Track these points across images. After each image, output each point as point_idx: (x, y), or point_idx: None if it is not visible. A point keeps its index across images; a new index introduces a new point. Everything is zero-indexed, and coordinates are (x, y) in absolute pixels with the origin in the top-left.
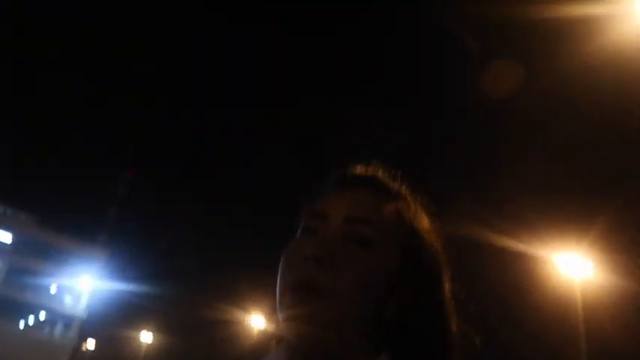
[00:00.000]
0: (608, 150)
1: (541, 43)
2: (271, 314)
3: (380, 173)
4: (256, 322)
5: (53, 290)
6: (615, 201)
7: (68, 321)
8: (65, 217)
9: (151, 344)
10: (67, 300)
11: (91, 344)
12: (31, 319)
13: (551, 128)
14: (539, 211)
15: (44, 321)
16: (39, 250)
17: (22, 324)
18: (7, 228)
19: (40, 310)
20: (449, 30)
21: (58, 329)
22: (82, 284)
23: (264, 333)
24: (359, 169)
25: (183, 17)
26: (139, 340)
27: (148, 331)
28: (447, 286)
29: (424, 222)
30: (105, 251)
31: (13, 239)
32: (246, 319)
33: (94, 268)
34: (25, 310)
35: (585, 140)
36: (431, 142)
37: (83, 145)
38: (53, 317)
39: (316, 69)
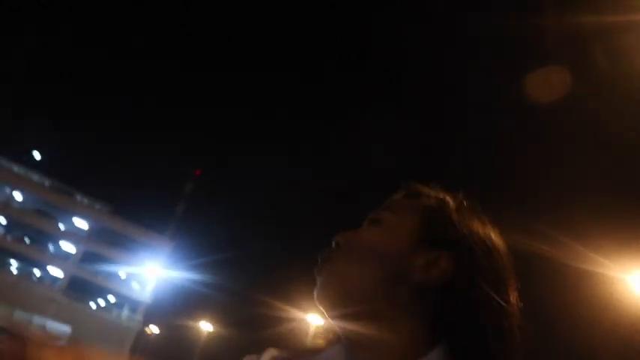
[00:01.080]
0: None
1: (586, 49)
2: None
3: (412, 185)
4: (313, 319)
5: (122, 276)
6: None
7: (134, 305)
8: (137, 209)
9: (210, 334)
10: (135, 286)
11: (154, 329)
12: (101, 302)
13: (611, 135)
14: (608, 225)
15: (113, 304)
16: (111, 238)
17: (92, 305)
18: (83, 216)
19: (109, 294)
20: (491, 33)
21: (125, 313)
22: (149, 272)
23: (320, 330)
24: (432, 189)
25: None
26: (199, 328)
27: (208, 321)
28: (487, 269)
29: (460, 211)
30: (172, 242)
31: (88, 227)
32: (304, 317)
33: (161, 258)
34: (96, 292)
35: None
36: (483, 150)
37: (158, 143)
38: (121, 301)
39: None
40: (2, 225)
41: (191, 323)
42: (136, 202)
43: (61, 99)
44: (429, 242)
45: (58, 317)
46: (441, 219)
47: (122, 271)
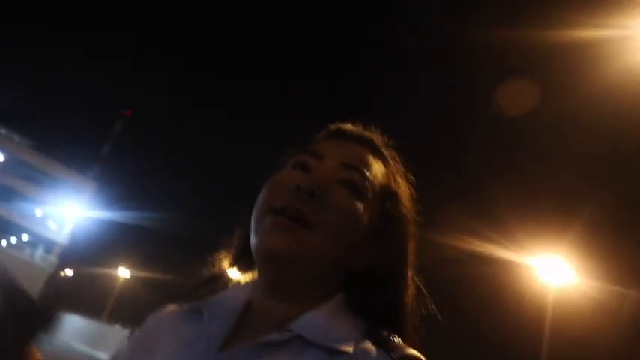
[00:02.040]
0: (589, 157)
1: (553, 63)
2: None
3: (376, 137)
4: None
5: (39, 214)
6: (593, 204)
7: (49, 246)
8: (60, 146)
9: (127, 280)
10: (51, 225)
11: (69, 272)
12: (13, 239)
13: (536, 137)
14: (519, 215)
15: (26, 242)
16: (29, 173)
17: (4, 242)
18: None
19: (23, 232)
20: (463, 45)
21: (39, 252)
22: (68, 212)
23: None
24: (357, 127)
25: None
26: (116, 274)
27: (126, 267)
28: (411, 255)
29: (404, 189)
30: (95, 183)
31: (4, 159)
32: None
33: (82, 199)
34: (8, 229)
35: (567, 146)
36: (422, 148)
37: (88, 80)
38: (35, 240)
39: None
40: None
41: (108, 268)
42: (60, 139)
43: None
44: (377, 233)
45: None
46: (395, 207)
47: (38, 209)
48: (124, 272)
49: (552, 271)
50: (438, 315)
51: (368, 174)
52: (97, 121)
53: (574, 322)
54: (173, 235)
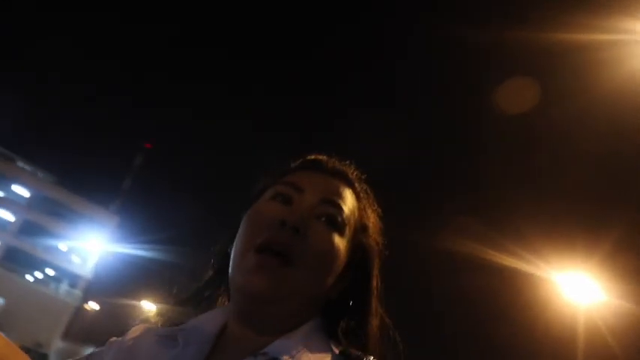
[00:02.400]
0: (618, 167)
1: (559, 66)
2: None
3: (350, 171)
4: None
5: (63, 249)
6: (625, 219)
7: (74, 280)
8: (83, 181)
9: (152, 313)
10: (75, 260)
11: (94, 305)
12: (38, 274)
13: (558, 147)
14: (544, 228)
15: (51, 277)
16: (53, 209)
17: (29, 278)
18: (24, 184)
19: (48, 267)
20: (468, 45)
21: (64, 287)
22: (91, 246)
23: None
24: (333, 160)
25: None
26: (141, 307)
27: (150, 300)
28: (378, 282)
29: (375, 222)
30: (117, 217)
31: (29, 195)
32: None
33: (105, 232)
34: (34, 264)
35: (595, 157)
36: (434, 155)
37: (108, 114)
38: (60, 275)
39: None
40: None
41: (133, 302)
42: (81, 173)
43: (9, 63)
44: (352, 263)
45: None
46: (367, 241)
47: (63, 244)
48: (148, 305)
49: (580, 288)
50: (398, 341)
51: (345, 209)
52: (118, 154)
53: (605, 343)
54: (195, 268)
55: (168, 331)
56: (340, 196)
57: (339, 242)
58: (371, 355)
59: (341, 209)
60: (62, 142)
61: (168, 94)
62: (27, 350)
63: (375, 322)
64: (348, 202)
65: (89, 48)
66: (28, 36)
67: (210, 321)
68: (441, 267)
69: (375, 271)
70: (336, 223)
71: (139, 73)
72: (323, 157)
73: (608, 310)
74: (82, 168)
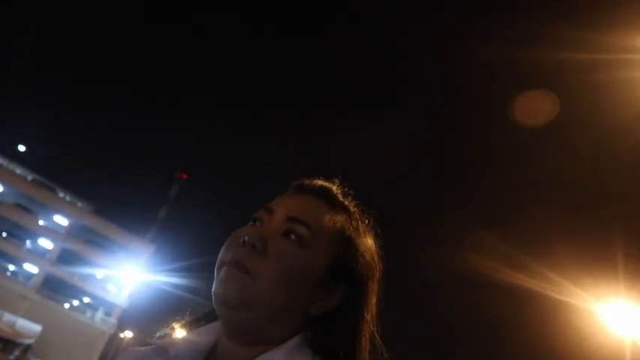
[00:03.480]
0: None
1: (578, 81)
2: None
3: (334, 187)
4: None
5: (99, 277)
6: None
7: (109, 308)
8: (119, 210)
9: None
10: (111, 288)
11: (128, 334)
12: (75, 302)
13: (597, 163)
14: (579, 250)
15: (87, 305)
16: (91, 238)
17: (66, 305)
18: (64, 213)
19: (84, 295)
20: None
21: (99, 315)
22: (127, 275)
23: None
24: (316, 181)
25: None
26: (175, 335)
27: (182, 329)
28: (373, 301)
29: (365, 238)
30: (152, 246)
31: (68, 224)
32: None
33: (140, 261)
34: (70, 292)
35: (632, 178)
36: (457, 169)
37: (145, 145)
38: (96, 303)
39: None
40: None
41: (167, 330)
42: (118, 203)
43: (53, 93)
44: (334, 274)
45: (29, 315)
46: (350, 252)
47: (99, 272)
48: (181, 334)
49: (625, 318)
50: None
51: (312, 223)
52: (154, 185)
53: None
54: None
55: (159, 345)
56: (307, 212)
57: (303, 255)
58: None
59: (304, 223)
60: (100, 172)
61: (205, 122)
62: None
63: (364, 341)
64: (319, 216)
65: (128, 75)
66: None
67: (202, 336)
68: (464, 290)
69: (366, 284)
70: (299, 237)
71: (177, 103)
72: (307, 180)
73: None
74: (119, 198)
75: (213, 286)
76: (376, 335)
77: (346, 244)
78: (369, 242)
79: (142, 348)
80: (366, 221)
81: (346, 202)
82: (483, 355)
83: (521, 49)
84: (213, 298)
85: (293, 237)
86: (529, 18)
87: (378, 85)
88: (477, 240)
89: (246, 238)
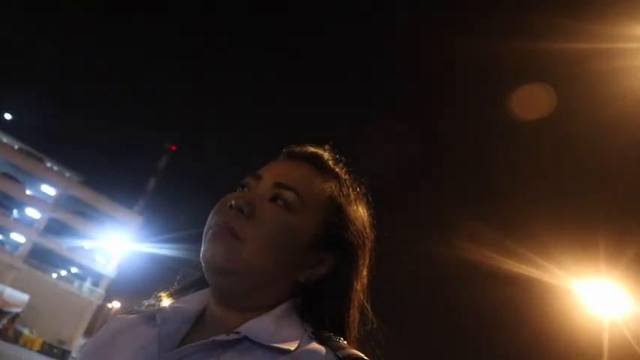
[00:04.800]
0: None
1: (576, 72)
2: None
3: (325, 154)
4: None
5: (87, 248)
6: None
7: (97, 279)
8: (108, 181)
9: None
10: (99, 259)
11: (116, 304)
12: (63, 272)
13: (577, 152)
14: (563, 235)
15: (75, 275)
16: (78, 209)
17: (54, 275)
18: (51, 183)
19: (72, 265)
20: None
21: (87, 285)
22: (115, 246)
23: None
24: (307, 147)
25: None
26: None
27: (170, 299)
28: (364, 270)
29: (356, 206)
30: (140, 217)
31: (56, 194)
32: None
33: (128, 232)
34: (58, 262)
35: (617, 162)
36: (447, 161)
37: (134, 117)
38: (84, 273)
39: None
40: None
41: (155, 299)
42: (107, 174)
43: (42, 64)
44: (324, 241)
45: (17, 285)
46: (340, 219)
47: (87, 243)
48: (168, 303)
49: (605, 298)
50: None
51: (300, 189)
52: (143, 156)
53: (634, 355)
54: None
55: (147, 312)
56: (296, 178)
57: (291, 219)
58: (346, 340)
59: (292, 189)
60: (89, 143)
61: (193, 97)
62: (50, 346)
63: (354, 311)
64: (308, 182)
65: (117, 51)
66: (52, 36)
67: (192, 302)
68: (454, 276)
69: (359, 255)
70: (287, 202)
71: (165, 76)
72: (297, 146)
73: (635, 320)
74: (108, 169)
75: (201, 250)
76: (366, 305)
77: (336, 211)
78: (359, 210)
79: (130, 315)
80: (358, 189)
81: (337, 169)
82: (471, 338)
83: (518, 41)
84: (202, 264)
85: (280, 202)
86: (525, 9)
87: (373, 81)
88: (464, 226)
89: (233, 203)
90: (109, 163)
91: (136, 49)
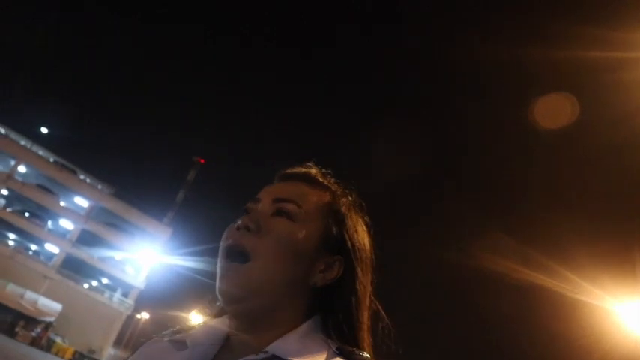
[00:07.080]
0: None
1: (596, 82)
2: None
3: (312, 170)
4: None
5: (118, 259)
6: None
7: (127, 289)
8: (138, 193)
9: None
10: (129, 270)
11: (145, 315)
12: (94, 282)
13: (610, 163)
14: (602, 257)
15: (105, 286)
16: (110, 220)
17: (85, 285)
18: (84, 195)
19: (103, 275)
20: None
21: (117, 296)
22: (144, 257)
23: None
24: (296, 168)
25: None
26: (189, 319)
27: (199, 312)
28: (368, 272)
29: (351, 213)
30: (169, 229)
31: (89, 206)
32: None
33: (158, 244)
34: (90, 272)
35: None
36: (470, 169)
37: (164, 131)
38: (114, 284)
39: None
40: (3, 197)
41: (182, 313)
42: (137, 187)
43: (78, 80)
44: (329, 246)
45: (50, 294)
46: (340, 223)
47: (117, 254)
48: (195, 317)
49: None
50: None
51: (298, 200)
52: (172, 169)
53: None
54: None
55: (178, 337)
56: (291, 192)
57: (295, 228)
58: (363, 349)
59: (291, 201)
60: (120, 156)
61: (222, 110)
62: (81, 355)
63: (365, 314)
64: (304, 195)
65: (150, 63)
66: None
67: (219, 324)
68: (479, 288)
69: (362, 257)
70: (289, 214)
71: (194, 91)
72: (288, 169)
73: None
74: (138, 181)
75: (216, 288)
76: (376, 302)
77: (335, 215)
78: (354, 216)
79: (164, 339)
80: (349, 197)
81: (326, 182)
82: (501, 352)
83: (539, 49)
84: (219, 298)
85: (283, 215)
86: (545, 17)
87: (393, 88)
88: (496, 241)
89: (239, 223)
90: (140, 176)
91: (161, 60)
